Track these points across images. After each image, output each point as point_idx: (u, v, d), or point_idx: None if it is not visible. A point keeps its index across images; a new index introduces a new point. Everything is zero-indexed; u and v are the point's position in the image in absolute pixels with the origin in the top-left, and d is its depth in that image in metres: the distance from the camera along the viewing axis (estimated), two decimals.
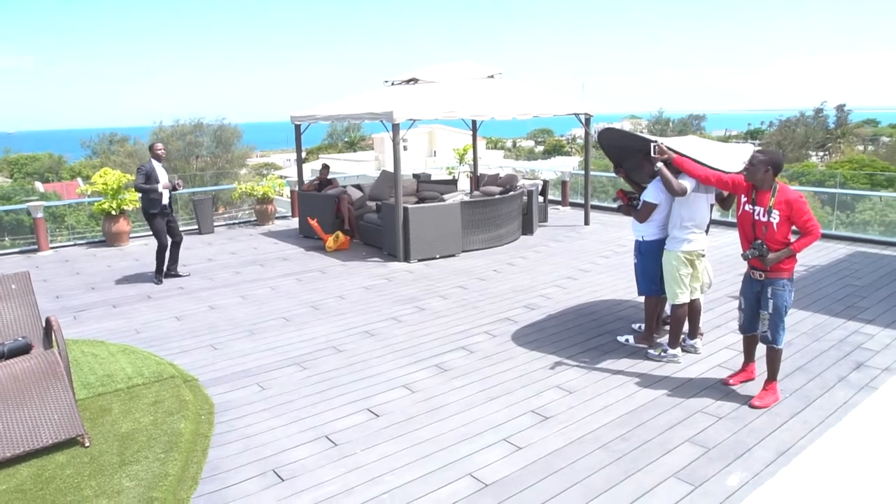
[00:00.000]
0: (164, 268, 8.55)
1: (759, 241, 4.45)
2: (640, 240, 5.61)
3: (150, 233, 8.52)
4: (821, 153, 56.24)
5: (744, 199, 4.60)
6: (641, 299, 6.06)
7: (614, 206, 10.47)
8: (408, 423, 4.52)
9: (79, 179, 42.97)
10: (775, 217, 4.39)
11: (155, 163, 8.31)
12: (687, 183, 5.11)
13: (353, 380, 5.27)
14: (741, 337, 5.03)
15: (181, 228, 9.30)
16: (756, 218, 4.49)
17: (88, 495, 3.64)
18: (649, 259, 5.55)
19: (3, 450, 3.93)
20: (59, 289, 8.33)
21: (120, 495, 3.63)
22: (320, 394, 5.02)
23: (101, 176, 10.88)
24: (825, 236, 9.98)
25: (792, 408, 4.61)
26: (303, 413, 4.70)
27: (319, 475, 3.90)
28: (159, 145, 8.51)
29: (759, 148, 4.86)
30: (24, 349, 4.44)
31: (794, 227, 4.43)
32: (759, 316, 4.67)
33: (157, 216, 8.32)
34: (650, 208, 5.40)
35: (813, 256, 8.91)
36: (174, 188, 8.66)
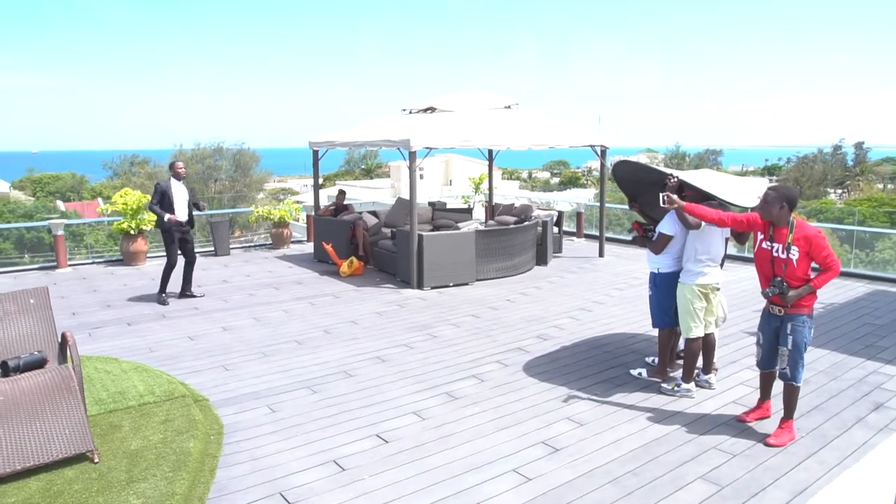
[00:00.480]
0: (167, 287, 8.53)
1: (780, 279, 4.41)
2: (656, 272, 5.59)
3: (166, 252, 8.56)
4: (839, 191, 55.89)
5: (760, 236, 4.57)
6: (655, 332, 6.01)
7: (629, 237, 10.45)
8: (417, 451, 4.48)
9: (99, 199, 43.71)
10: (794, 253, 4.35)
11: (173, 181, 8.39)
12: None
13: (364, 405, 5.25)
14: (757, 373, 4.96)
15: (198, 250, 9.34)
16: (775, 255, 4.45)
17: None
18: (664, 291, 5.52)
19: (14, 462, 3.94)
20: (75, 305, 8.43)
21: None
22: (330, 418, 5.00)
23: (121, 196, 11.08)
24: (843, 274, 9.86)
25: (808, 447, 4.52)
26: (312, 437, 4.69)
27: (326, 499, 3.87)
28: (179, 164, 8.57)
29: (772, 184, 4.84)
30: (40, 363, 4.48)
31: (812, 264, 4.40)
32: (777, 352, 4.60)
33: (173, 231, 8.40)
34: (665, 240, 5.39)
35: (831, 294, 8.80)
36: (198, 208, 8.76)
